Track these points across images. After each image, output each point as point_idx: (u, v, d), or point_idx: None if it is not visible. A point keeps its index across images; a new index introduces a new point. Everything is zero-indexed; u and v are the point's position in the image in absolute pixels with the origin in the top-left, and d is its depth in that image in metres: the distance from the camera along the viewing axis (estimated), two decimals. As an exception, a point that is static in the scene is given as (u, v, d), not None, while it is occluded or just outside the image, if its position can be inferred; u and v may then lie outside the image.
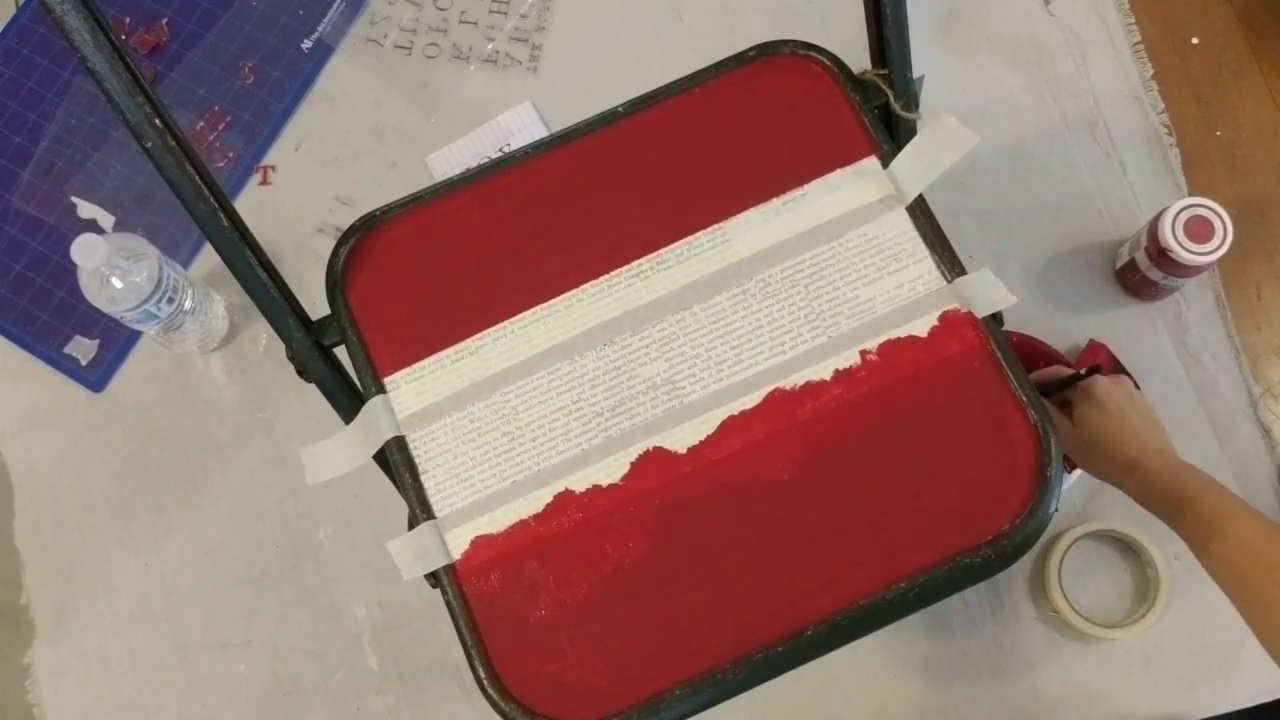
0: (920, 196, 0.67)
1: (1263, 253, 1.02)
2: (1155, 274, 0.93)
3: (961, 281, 0.65)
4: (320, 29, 1.10)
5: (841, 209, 0.67)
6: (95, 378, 1.03)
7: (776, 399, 0.64)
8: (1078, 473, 0.93)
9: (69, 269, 1.02)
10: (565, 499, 0.63)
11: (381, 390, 0.66)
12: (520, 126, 1.06)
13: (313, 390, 0.68)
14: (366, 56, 1.09)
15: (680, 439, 0.64)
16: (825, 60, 0.71)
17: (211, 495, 1.00)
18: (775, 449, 0.63)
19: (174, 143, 0.58)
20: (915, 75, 0.68)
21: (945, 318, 0.65)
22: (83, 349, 1.04)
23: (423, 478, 0.65)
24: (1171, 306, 0.99)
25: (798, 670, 0.60)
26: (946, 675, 0.93)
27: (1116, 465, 0.81)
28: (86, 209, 1.06)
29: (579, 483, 0.64)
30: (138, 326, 0.96)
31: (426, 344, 0.67)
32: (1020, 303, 0.68)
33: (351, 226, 0.70)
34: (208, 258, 1.05)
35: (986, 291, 0.64)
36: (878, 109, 0.69)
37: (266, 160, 1.07)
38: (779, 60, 0.71)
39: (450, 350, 0.67)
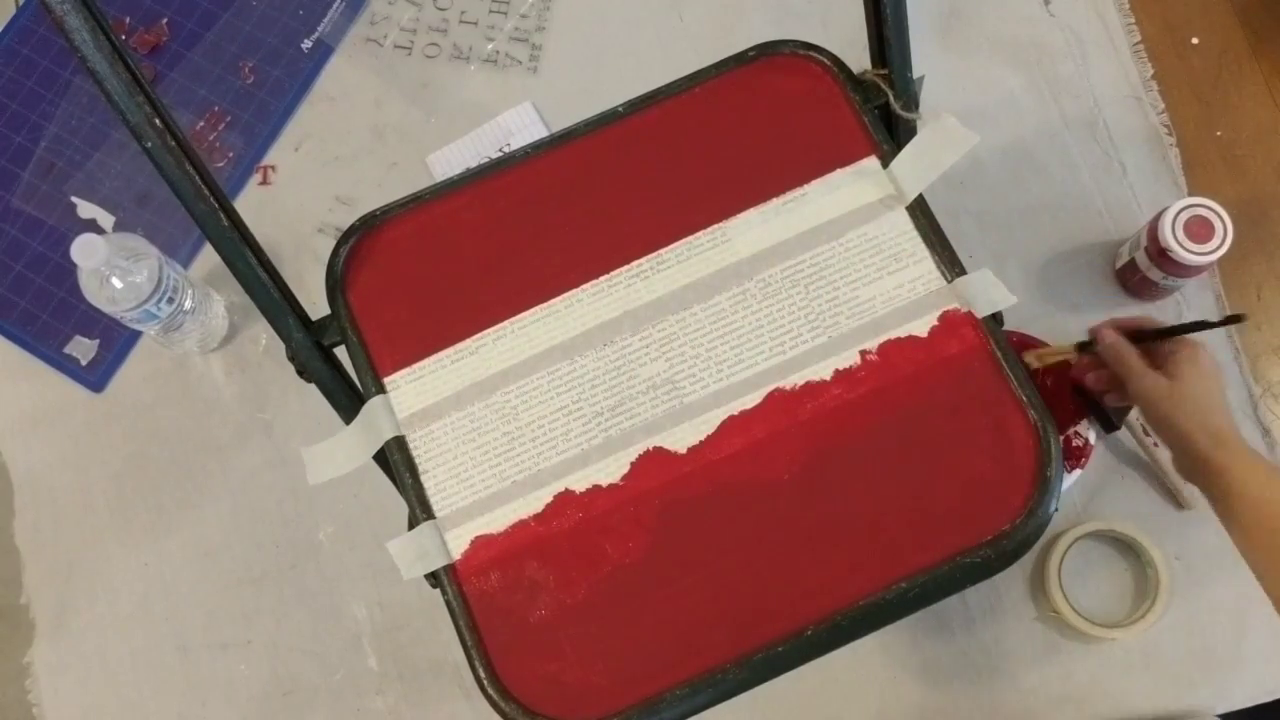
0: (920, 196, 0.67)
1: (1263, 253, 1.02)
2: (1155, 274, 0.93)
3: (961, 281, 0.65)
4: (320, 29, 1.10)
5: (841, 209, 0.67)
6: (95, 378, 1.03)
7: (776, 399, 0.64)
8: (1078, 473, 0.93)
9: (69, 269, 1.02)
10: (565, 499, 0.63)
11: (381, 390, 0.66)
12: (520, 126, 1.06)
13: (313, 390, 0.68)
14: (366, 56, 1.09)
15: (680, 439, 0.64)
16: (825, 60, 0.71)
17: (211, 495, 1.00)
18: (775, 449, 0.63)
19: (174, 143, 0.58)
20: (915, 75, 0.68)
21: (945, 318, 0.65)
22: (83, 349, 1.04)
23: (423, 478, 0.65)
24: (1171, 306, 0.99)
25: (798, 670, 0.60)
26: (946, 675, 0.93)
27: (1205, 431, 0.76)
28: (86, 209, 1.06)
29: (579, 483, 0.64)
30: (138, 326, 0.95)
31: (426, 344, 0.67)
32: (1020, 303, 0.68)
33: (351, 226, 0.70)
34: (208, 258, 1.05)
35: (986, 291, 0.64)
36: (878, 109, 0.69)
37: (266, 160, 1.07)
38: (779, 60, 0.71)
39: (450, 350, 0.67)
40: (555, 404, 0.65)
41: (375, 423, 0.66)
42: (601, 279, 0.67)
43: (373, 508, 0.99)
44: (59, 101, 1.09)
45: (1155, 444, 0.93)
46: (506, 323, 0.67)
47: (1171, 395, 0.77)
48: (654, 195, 0.69)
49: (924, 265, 0.66)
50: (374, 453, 0.66)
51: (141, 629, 0.98)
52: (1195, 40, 1.07)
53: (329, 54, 1.09)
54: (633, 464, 0.64)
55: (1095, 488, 0.95)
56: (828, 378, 0.64)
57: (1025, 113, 1.04)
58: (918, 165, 0.66)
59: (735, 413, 0.64)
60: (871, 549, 0.61)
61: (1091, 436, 0.93)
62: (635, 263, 0.67)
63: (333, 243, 0.71)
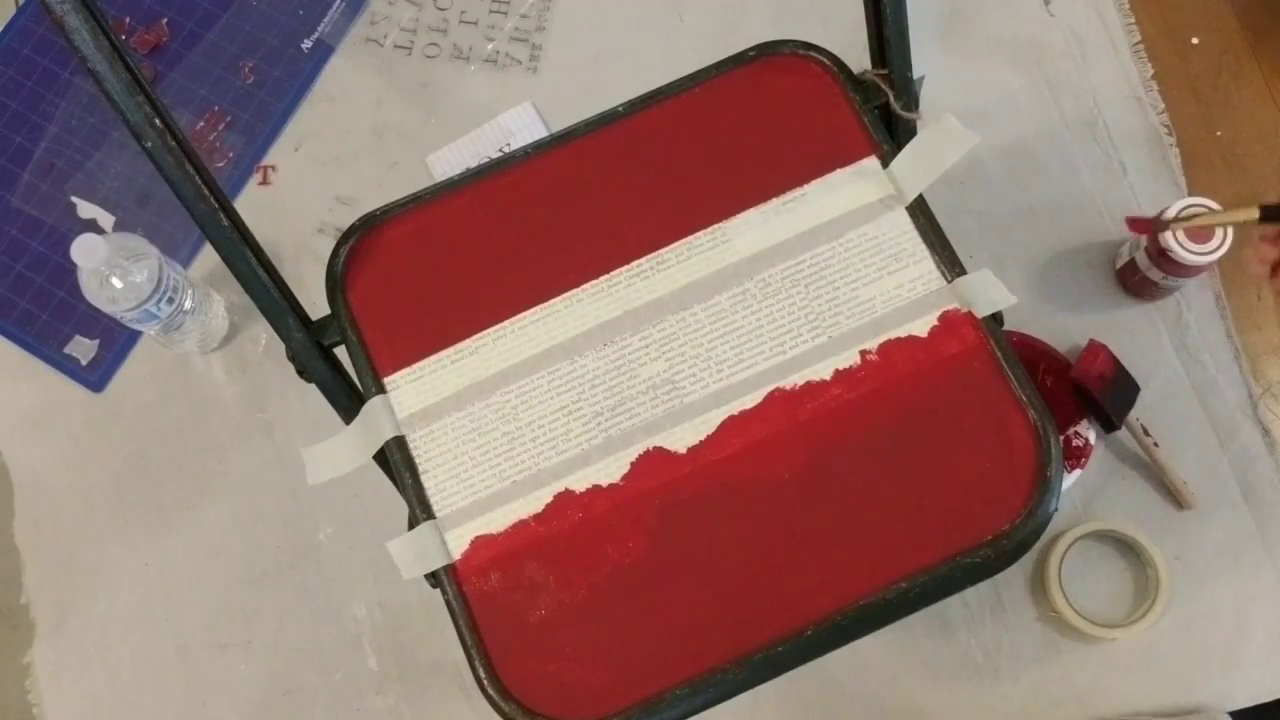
0: (920, 196, 0.67)
1: (1263, 253, 1.02)
2: (1155, 274, 0.93)
3: (961, 281, 0.65)
4: (320, 29, 1.10)
5: (841, 209, 0.67)
6: (95, 378, 1.03)
7: (776, 399, 0.64)
8: (1078, 473, 0.93)
9: (69, 269, 1.02)
10: (565, 499, 0.63)
11: (381, 390, 0.66)
12: (520, 126, 1.06)
13: (313, 390, 0.68)
14: (366, 56, 1.09)
15: (680, 439, 0.64)
16: (825, 60, 0.71)
17: (211, 495, 1.00)
18: (775, 449, 0.63)
19: (174, 143, 0.58)
20: (915, 75, 0.68)
21: (945, 318, 0.65)
22: (83, 349, 1.04)
23: (423, 478, 0.65)
24: (1171, 306, 0.99)
25: (798, 670, 0.60)
26: (947, 675, 0.93)
27: None
28: (86, 209, 1.06)
29: (579, 483, 0.64)
30: (138, 326, 0.96)
31: (426, 344, 0.67)
32: (1020, 303, 0.68)
33: (351, 226, 0.70)
34: (208, 258, 1.05)
35: (986, 291, 0.64)
36: (878, 109, 0.69)
37: (266, 160, 1.07)
38: (779, 60, 0.71)
39: (450, 350, 0.67)
40: (555, 404, 0.65)
41: (375, 423, 0.66)
42: (601, 279, 0.67)
43: (373, 508, 0.99)
44: (59, 101, 1.09)
45: (1155, 444, 0.93)
46: (506, 323, 0.67)
47: None
48: (654, 195, 0.69)
49: (924, 265, 0.66)
50: (374, 453, 0.66)
51: (141, 629, 0.98)
52: (1195, 40, 1.07)
53: (329, 54, 1.09)
54: (633, 464, 0.64)
55: (1095, 488, 0.95)
56: (828, 378, 0.64)
57: (1025, 113, 1.04)
58: (918, 165, 0.66)
59: (735, 413, 0.64)
60: (872, 549, 0.61)
61: (1091, 436, 0.94)
62: (635, 263, 0.67)
63: (333, 243, 0.71)
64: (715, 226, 0.68)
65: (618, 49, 1.08)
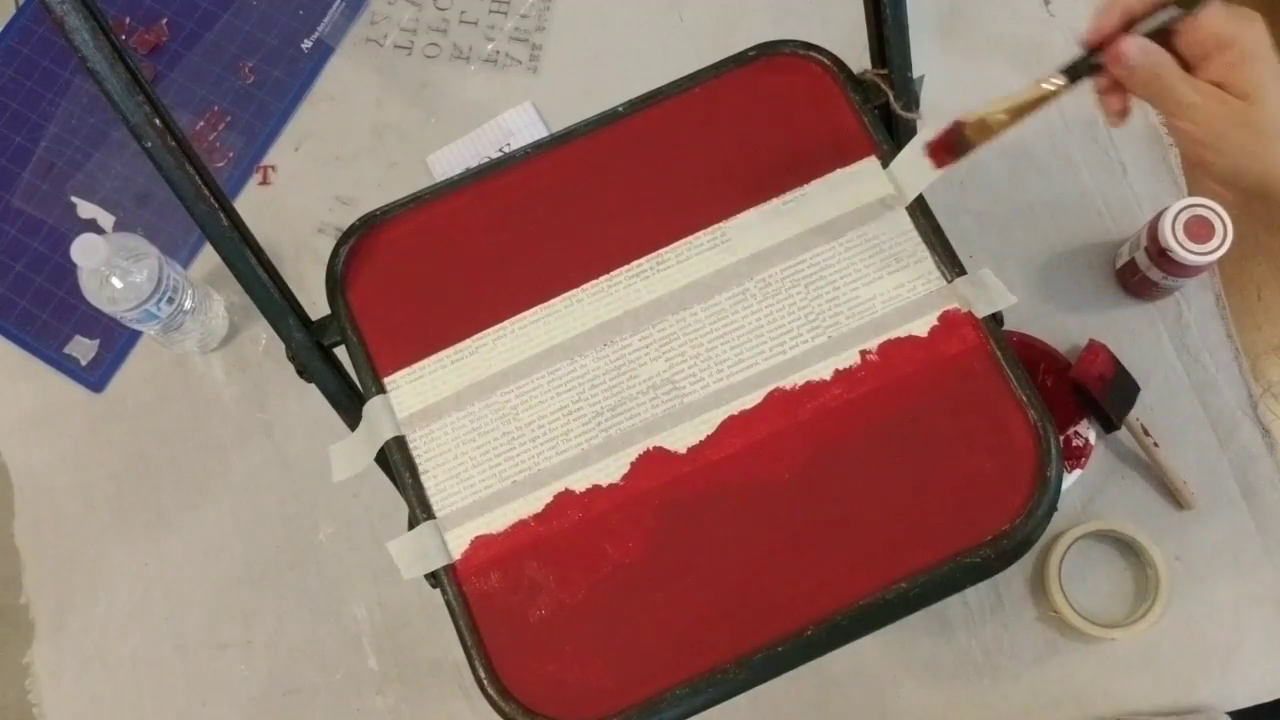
0: (920, 196, 0.67)
1: (1263, 253, 1.02)
2: (1155, 274, 0.93)
3: (961, 281, 0.65)
4: (320, 29, 1.10)
5: (841, 209, 0.67)
6: (95, 378, 1.03)
7: (776, 399, 0.64)
8: (1078, 473, 0.93)
9: (69, 269, 1.02)
10: (565, 499, 0.63)
11: (381, 390, 0.66)
12: (520, 126, 1.06)
13: (313, 390, 0.68)
14: (366, 56, 1.09)
15: (680, 439, 0.64)
16: (825, 60, 0.71)
17: (211, 495, 1.00)
18: (775, 449, 0.63)
19: (174, 143, 0.58)
20: (915, 75, 0.68)
21: (945, 318, 0.65)
22: (83, 349, 1.04)
23: (423, 478, 0.65)
24: (1171, 306, 0.99)
25: (798, 670, 0.60)
26: (947, 675, 0.93)
27: None
28: (86, 209, 1.06)
29: (579, 483, 0.64)
30: (138, 326, 0.95)
31: (426, 344, 0.67)
32: (1020, 303, 0.68)
33: (351, 226, 0.70)
34: (208, 258, 1.05)
35: (986, 291, 0.64)
36: (878, 109, 0.69)
37: (266, 160, 1.07)
38: (779, 60, 0.71)
39: (450, 350, 0.67)
40: (555, 404, 0.65)
41: (375, 423, 0.66)
42: (601, 279, 0.67)
43: (373, 508, 0.98)
44: (59, 101, 1.09)
45: (1155, 444, 0.93)
46: (506, 323, 0.67)
47: (1248, 119, 0.52)
48: (654, 195, 0.69)
49: (924, 265, 0.66)
50: (375, 453, 0.66)
51: (141, 629, 0.98)
52: (1195, 40, 1.07)
53: (329, 54, 1.09)
54: (633, 464, 0.64)
55: (1095, 488, 0.95)
56: (828, 377, 0.64)
57: (1025, 113, 1.04)
58: (918, 165, 0.66)
59: (735, 413, 0.64)
60: (871, 549, 0.61)
61: (1091, 436, 0.93)
62: (635, 263, 0.67)
63: (333, 243, 0.71)
64: (715, 226, 0.68)
65: (618, 49, 1.08)
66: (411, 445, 0.65)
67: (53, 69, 1.09)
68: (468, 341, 0.67)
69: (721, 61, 0.72)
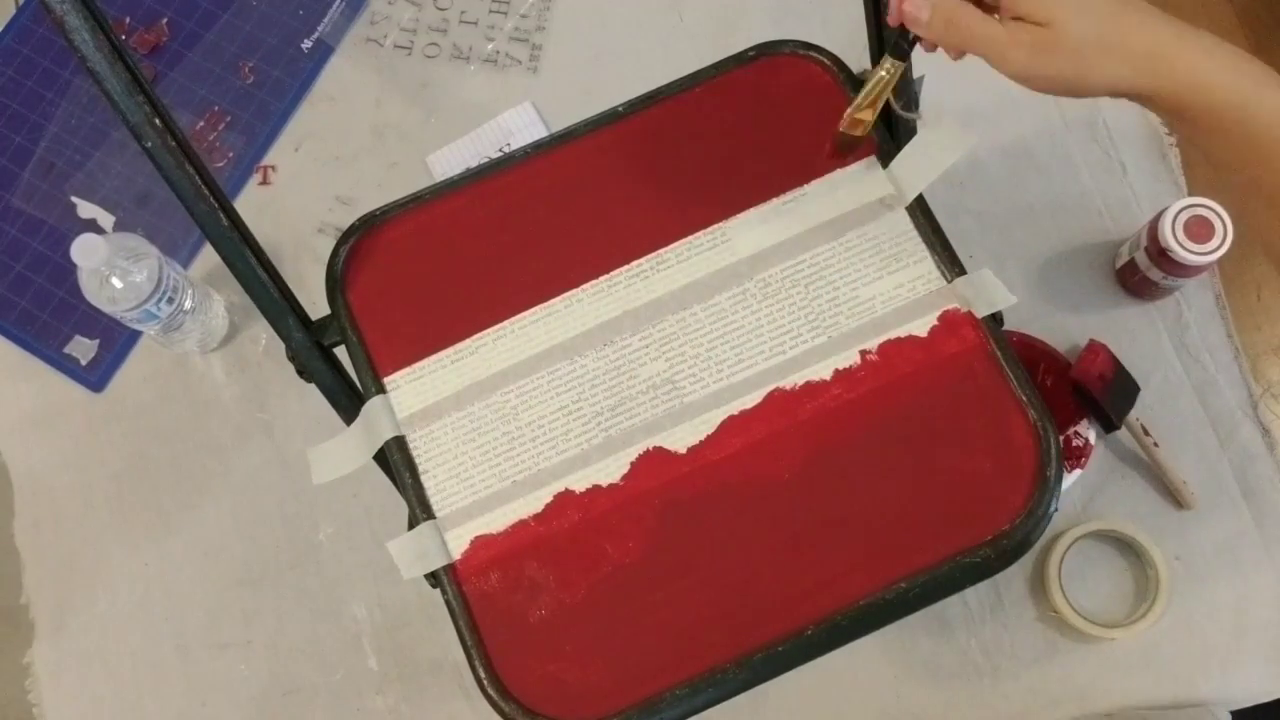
0: (920, 196, 0.67)
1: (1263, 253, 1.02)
2: (1155, 274, 0.93)
3: (961, 281, 0.65)
4: (320, 29, 1.10)
5: (841, 209, 0.67)
6: (95, 378, 1.03)
7: (776, 399, 0.64)
8: (1078, 473, 0.93)
9: (69, 269, 1.02)
10: (565, 499, 0.63)
11: (381, 390, 0.66)
12: (520, 126, 1.06)
13: (313, 390, 0.68)
14: (366, 56, 1.09)
15: (680, 439, 0.64)
16: (825, 60, 0.71)
17: (211, 495, 1.00)
18: (775, 449, 0.63)
19: (174, 143, 0.58)
20: (915, 75, 0.68)
21: (945, 317, 0.65)
22: (83, 349, 1.04)
23: (423, 478, 0.65)
24: (1171, 306, 0.99)
25: (798, 670, 0.60)
26: (947, 675, 0.93)
27: (1132, 64, 0.55)
28: (86, 209, 1.06)
29: (579, 483, 0.64)
30: (138, 326, 0.95)
31: (426, 344, 0.67)
32: (1020, 303, 0.68)
33: (351, 226, 0.70)
34: (208, 258, 1.05)
35: (986, 291, 0.64)
36: (878, 109, 0.69)
37: (266, 160, 1.07)
38: (779, 60, 0.71)
39: (450, 350, 0.67)
40: (555, 404, 0.65)
41: (375, 423, 0.66)
42: (601, 279, 0.67)
43: (373, 508, 0.98)
44: (59, 101, 1.09)
45: (1155, 444, 0.93)
46: (506, 323, 0.67)
47: (1051, 41, 0.55)
48: (654, 195, 0.69)
49: (924, 265, 0.66)
50: (374, 453, 0.66)
51: (141, 629, 0.98)
52: (1195, 40, 1.07)
53: (329, 54, 1.09)
54: (633, 464, 0.64)
55: (1095, 488, 0.95)
56: (828, 377, 0.64)
57: (1025, 113, 1.04)
58: (918, 165, 0.66)
59: (735, 413, 0.64)
60: (871, 549, 0.61)
61: (1091, 436, 0.93)
62: (635, 263, 0.67)
63: (333, 243, 0.71)
64: (715, 226, 0.68)
65: (618, 49, 1.08)
66: (411, 445, 0.65)
67: (53, 69, 1.09)
68: (468, 341, 0.67)
69: (721, 61, 0.72)
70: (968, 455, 0.62)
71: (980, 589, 0.94)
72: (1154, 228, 0.91)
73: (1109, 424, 0.94)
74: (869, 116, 0.64)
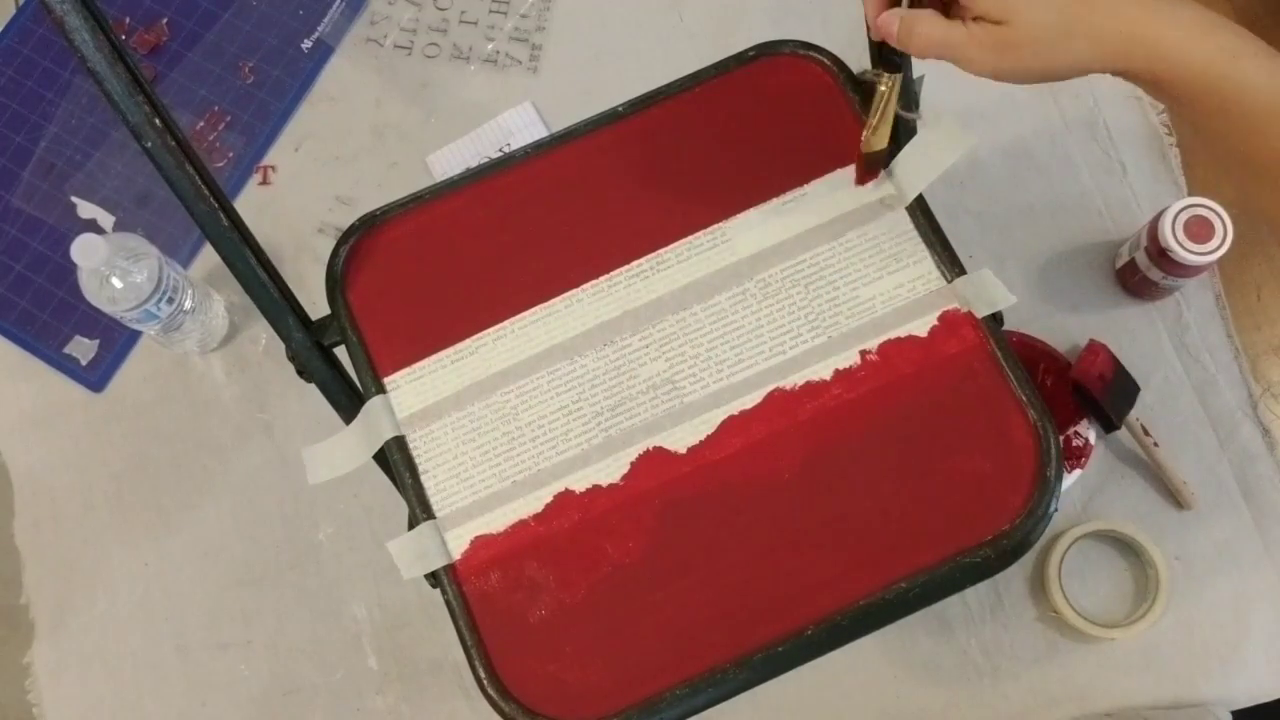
0: (920, 196, 0.67)
1: (1263, 253, 1.02)
2: (1155, 274, 0.93)
3: (961, 281, 0.65)
4: (320, 29, 1.10)
5: (841, 209, 0.67)
6: (95, 378, 1.03)
7: (776, 399, 0.64)
8: (1078, 473, 0.93)
9: (69, 269, 1.02)
10: (565, 499, 0.63)
11: (381, 390, 0.66)
12: (520, 126, 1.06)
13: (313, 390, 0.68)
14: (366, 56, 1.09)
15: (680, 439, 0.64)
16: (825, 60, 0.71)
17: (211, 495, 1.00)
18: (775, 449, 0.63)
19: (174, 143, 0.58)
20: (915, 75, 0.68)
21: (945, 318, 0.65)
22: (83, 349, 1.04)
23: (423, 478, 0.65)
24: (1171, 306, 0.99)
25: (798, 670, 0.60)
26: (947, 675, 0.93)
27: (1101, 45, 0.55)
28: (86, 209, 1.06)
29: (579, 483, 0.64)
30: (138, 326, 0.96)
31: (426, 344, 0.67)
32: (1020, 303, 0.68)
33: (351, 226, 0.70)
34: (208, 258, 1.05)
35: (986, 291, 0.64)
36: (878, 109, 0.69)
37: (266, 160, 1.07)
38: (779, 60, 0.71)
39: (450, 350, 0.67)
40: (555, 404, 0.65)
41: (375, 423, 0.66)
42: (601, 279, 0.67)
43: (373, 508, 0.98)
44: (59, 101, 1.09)
45: (1155, 444, 0.93)
46: (506, 323, 0.67)
47: (1008, 39, 0.56)
48: (654, 195, 0.69)
49: (924, 265, 0.66)
50: (374, 453, 0.66)
51: (141, 629, 0.98)
52: (1195, 40, 1.07)
53: (329, 54, 1.09)
54: (633, 464, 0.64)
55: (1095, 488, 0.95)
56: (828, 377, 0.64)
57: (1025, 113, 1.04)
58: (918, 165, 0.66)
59: (735, 413, 0.64)
60: (872, 549, 0.61)
61: (1091, 436, 0.94)
62: (635, 263, 0.67)
63: (333, 243, 0.71)
64: (715, 226, 0.68)
65: (618, 49, 1.08)
66: (411, 445, 0.65)
67: (53, 69, 1.09)
68: (468, 341, 0.67)
69: (721, 61, 0.72)
70: (968, 455, 0.62)
71: (980, 589, 0.94)
72: (1154, 228, 0.91)
73: (1109, 424, 0.94)
74: (884, 130, 0.65)
